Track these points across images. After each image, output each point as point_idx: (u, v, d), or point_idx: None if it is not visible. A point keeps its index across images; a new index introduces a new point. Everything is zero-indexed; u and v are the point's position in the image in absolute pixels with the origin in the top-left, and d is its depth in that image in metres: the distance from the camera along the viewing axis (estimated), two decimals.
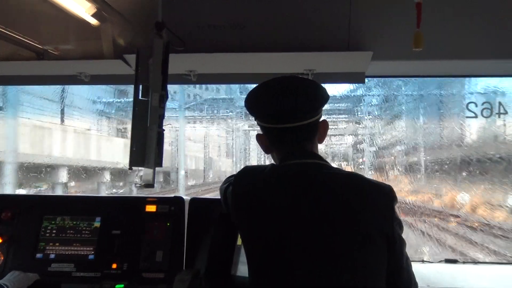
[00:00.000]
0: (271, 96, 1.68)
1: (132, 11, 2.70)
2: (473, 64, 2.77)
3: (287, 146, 1.70)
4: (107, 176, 13.70)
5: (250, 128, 15.57)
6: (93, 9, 2.64)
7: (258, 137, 1.79)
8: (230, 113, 15.81)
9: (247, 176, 1.75)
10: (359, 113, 10.74)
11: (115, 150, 14.89)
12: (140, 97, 2.28)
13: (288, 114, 1.65)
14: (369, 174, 9.59)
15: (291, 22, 2.67)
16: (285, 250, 1.57)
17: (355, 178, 1.66)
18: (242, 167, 1.88)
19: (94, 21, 2.69)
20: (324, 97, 1.70)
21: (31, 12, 2.59)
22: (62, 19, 2.61)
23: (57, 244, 2.52)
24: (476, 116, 3.26)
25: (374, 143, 9.65)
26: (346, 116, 12.16)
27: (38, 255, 2.49)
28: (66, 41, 2.76)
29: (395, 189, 1.64)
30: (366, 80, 2.87)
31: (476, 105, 3.25)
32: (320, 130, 1.74)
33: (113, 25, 2.74)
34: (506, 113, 3.21)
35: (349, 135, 13.14)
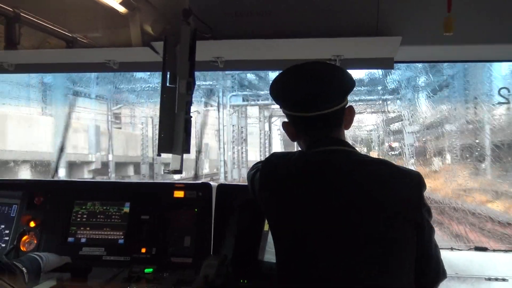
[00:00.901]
0: (297, 84, 1.68)
1: None
2: (504, 49, 2.70)
3: (314, 133, 1.69)
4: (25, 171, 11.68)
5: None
6: None
7: (284, 124, 1.79)
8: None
9: (275, 163, 1.75)
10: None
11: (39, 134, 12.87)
12: (168, 84, 2.30)
13: (314, 101, 1.64)
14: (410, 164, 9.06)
15: (318, 7, 2.63)
16: (311, 238, 1.57)
17: (384, 165, 1.64)
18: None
19: (122, 9, 2.71)
20: (350, 83, 1.69)
21: (59, 1, 2.61)
22: (90, 7, 2.63)
23: (87, 228, 2.57)
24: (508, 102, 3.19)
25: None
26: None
27: (70, 239, 2.55)
28: (95, 29, 2.78)
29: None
30: (394, 65, 2.83)
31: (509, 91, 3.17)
32: (346, 117, 1.72)
33: (141, 12, 2.75)
34: None
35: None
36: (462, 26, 2.12)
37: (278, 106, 1.81)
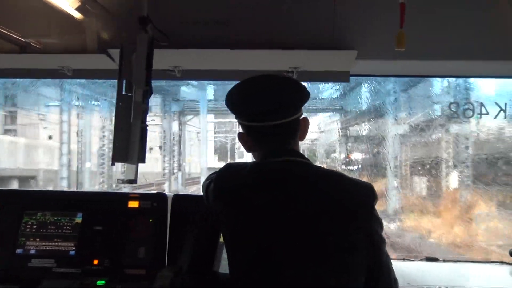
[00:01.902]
0: (252, 95, 1.68)
1: (116, 6, 2.68)
2: (454, 64, 2.80)
3: (270, 143, 1.69)
4: None
5: None
6: (77, 3, 2.62)
7: (240, 136, 1.78)
8: None
9: (230, 174, 1.75)
10: None
11: None
12: (123, 92, 2.27)
13: (271, 112, 1.65)
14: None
15: (277, 19, 2.66)
16: (277, 247, 1.56)
17: (339, 177, 1.66)
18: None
19: (78, 15, 2.67)
20: (305, 95, 1.70)
21: (14, 5, 2.55)
22: (45, 12, 2.58)
23: (37, 239, 2.48)
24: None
25: None
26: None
27: (19, 251, 2.46)
28: (49, 35, 2.72)
29: None
30: (350, 79, 2.89)
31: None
32: (301, 127, 1.74)
33: (97, 19, 2.72)
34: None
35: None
36: (416, 42, 2.19)
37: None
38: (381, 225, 1.65)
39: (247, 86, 1.73)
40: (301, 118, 1.74)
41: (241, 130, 1.78)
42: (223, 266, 2.24)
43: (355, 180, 1.67)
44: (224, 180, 1.72)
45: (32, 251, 2.46)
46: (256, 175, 1.67)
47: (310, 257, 1.53)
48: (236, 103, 1.74)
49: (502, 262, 3.05)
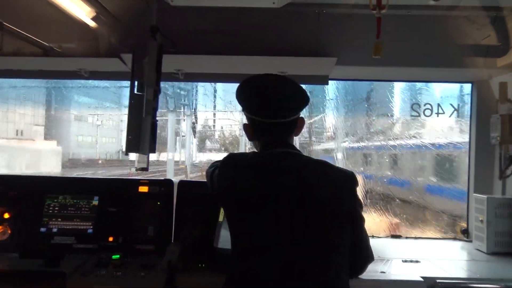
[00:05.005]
0: (262, 93, 1.70)
1: (128, 16, 2.67)
2: (422, 71, 2.86)
3: (270, 136, 1.71)
4: None
5: None
6: (92, 13, 2.61)
7: (245, 126, 1.80)
8: None
9: (232, 161, 1.75)
10: None
11: None
12: (135, 92, 2.26)
13: (275, 111, 1.67)
14: None
15: (268, 29, 2.68)
16: (264, 230, 1.57)
17: (326, 166, 1.69)
18: None
19: (93, 23, 2.65)
20: (307, 101, 1.73)
21: (38, 14, 2.52)
22: (65, 20, 2.56)
23: (59, 219, 2.46)
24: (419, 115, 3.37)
25: None
26: None
27: (42, 229, 2.43)
28: (69, 41, 2.71)
29: None
30: (329, 82, 2.92)
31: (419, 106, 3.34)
32: (298, 126, 1.76)
33: (110, 27, 2.70)
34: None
35: None
36: (389, 52, 2.21)
37: None
38: (361, 206, 1.68)
39: (259, 84, 1.73)
40: (299, 118, 1.76)
41: (245, 121, 1.79)
42: (221, 242, 2.25)
43: (339, 168, 1.71)
44: (227, 167, 1.73)
45: (55, 230, 2.44)
46: (255, 164, 1.68)
47: (302, 234, 1.55)
48: (247, 98, 1.75)
49: (455, 239, 3.13)
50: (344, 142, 3.89)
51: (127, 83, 2.30)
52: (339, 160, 3.92)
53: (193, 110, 6.43)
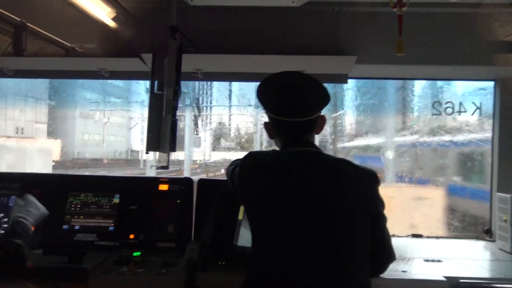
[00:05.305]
0: (283, 92, 1.68)
1: (147, 16, 2.69)
2: (444, 69, 2.82)
3: (291, 135, 1.70)
4: None
5: None
6: (113, 14, 2.65)
7: (266, 124, 1.79)
8: None
9: (253, 159, 1.75)
10: None
11: None
12: (155, 91, 2.27)
13: (297, 110, 1.67)
14: None
15: (287, 28, 2.67)
16: (284, 228, 1.56)
17: (347, 164, 1.67)
18: None
19: (113, 24, 2.69)
20: (328, 100, 1.71)
21: (60, 15, 2.56)
22: (86, 21, 2.60)
23: (81, 217, 2.49)
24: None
25: None
26: None
27: (65, 226, 2.47)
28: (89, 41, 2.74)
29: None
30: (348, 81, 2.89)
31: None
32: (318, 124, 1.74)
33: (130, 27, 2.73)
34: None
35: None
36: (410, 49, 2.18)
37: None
38: (383, 205, 1.66)
39: (280, 82, 1.72)
40: (319, 116, 1.74)
41: (267, 120, 1.78)
42: (241, 240, 2.25)
43: (361, 167, 1.68)
44: (248, 165, 1.72)
45: (77, 227, 2.47)
46: (276, 162, 1.67)
47: (319, 232, 1.53)
48: (268, 97, 1.74)
49: (477, 238, 3.07)
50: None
51: None
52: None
53: (195, 101, 6.06)
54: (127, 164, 8.61)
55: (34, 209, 2.22)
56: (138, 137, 7.97)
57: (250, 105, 6.15)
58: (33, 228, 2.15)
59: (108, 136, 9.21)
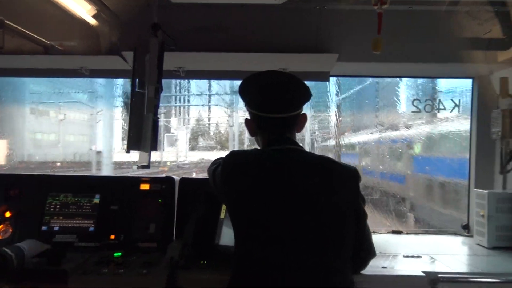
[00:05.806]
0: (265, 88, 1.68)
1: (129, 14, 2.65)
2: (423, 67, 2.84)
3: (272, 132, 1.70)
4: None
5: None
6: (93, 11, 2.59)
7: (246, 121, 1.79)
8: None
9: (235, 158, 1.73)
10: None
11: None
12: (137, 89, 2.24)
13: (278, 106, 1.66)
14: None
15: (269, 26, 2.67)
16: (269, 226, 1.55)
17: (330, 162, 1.67)
18: None
19: (94, 21, 2.64)
20: (309, 95, 1.72)
21: (39, 12, 2.50)
22: (66, 18, 2.55)
23: (60, 217, 2.44)
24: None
25: None
26: None
27: (44, 228, 2.42)
28: (70, 38, 2.69)
29: None
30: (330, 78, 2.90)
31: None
32: (300, 121, 1.74)
33: (111, 25, 2.69)
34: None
35: None
36: (389, 47, 2.19)
37: None
38: (364, 201, 1.67)
39: (263, 80, 1.72)
40: (301, 114, 1.74)
41: (248, 117, 1.78)
42: (223, 239, 2.24)
43: (342, 164, 1.69)
44: (230, 164, 1.71)
45: (56, 228, 2.42)
46: (258, 160, 1.66)
47: (306, 230, 1.53)
48: (248, 93, 1.74)
49: (455, 234, 3.11)
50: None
51: None
52: None
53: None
54: (85, 168, 7.47)
55: (36, 244, 2.18)
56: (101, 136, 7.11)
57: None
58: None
59: (68, 136, 8.25)
